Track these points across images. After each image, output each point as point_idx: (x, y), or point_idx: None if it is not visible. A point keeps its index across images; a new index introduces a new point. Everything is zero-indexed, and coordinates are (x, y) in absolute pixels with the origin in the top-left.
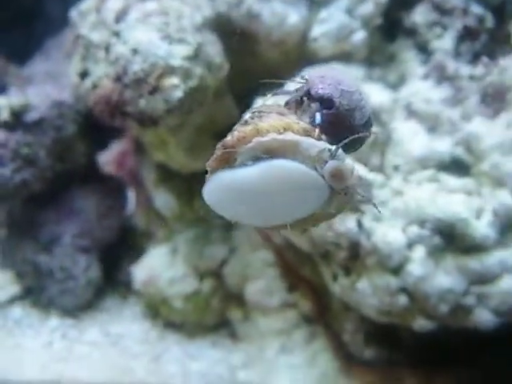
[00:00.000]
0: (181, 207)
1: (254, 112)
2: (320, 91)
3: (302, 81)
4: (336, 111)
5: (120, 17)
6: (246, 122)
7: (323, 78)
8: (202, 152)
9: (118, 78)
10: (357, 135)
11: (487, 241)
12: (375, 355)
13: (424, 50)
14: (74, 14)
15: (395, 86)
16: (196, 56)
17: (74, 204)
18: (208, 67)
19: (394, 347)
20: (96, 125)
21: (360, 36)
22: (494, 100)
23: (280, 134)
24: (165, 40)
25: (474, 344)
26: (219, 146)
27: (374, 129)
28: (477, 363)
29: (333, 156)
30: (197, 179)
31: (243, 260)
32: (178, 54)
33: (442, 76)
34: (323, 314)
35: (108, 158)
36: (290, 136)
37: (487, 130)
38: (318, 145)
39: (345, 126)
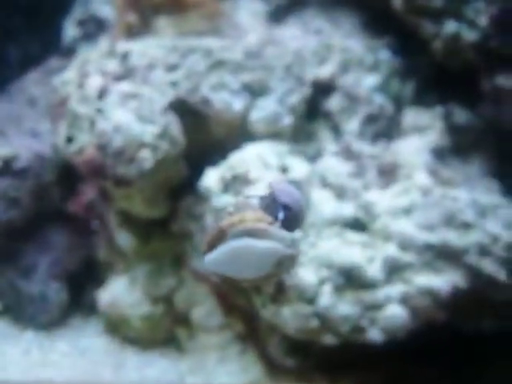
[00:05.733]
0: (138, 245)
1: (235, 206)
2: (283, 200)
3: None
4: (290, 213)
5: (101, 95)
6: (231, 213)
7: (284, 190)
8: (158, 203)
9: (101, 148)
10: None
11: (376, 280)
12: (293, 363)
13: (336, 131)
14: (56, 81)
15: (313, 158)
16: (163, 134)
17: (49, 238)
18: (171, 143)
19: (307, 356)
20: (69, 175)
21: (287, 121)
22: (387, 174)
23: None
24: (139, 121)
25: (375, 352)
26: (215, 227)
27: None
28: (378, 367)
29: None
30: (152, 223)
31: (189, 290)
32: (150, 133)
33: (348, 154)
34: (253, 333)
35: (78, 203)
36: (263, 225)
37: (381, 198)
38: (280, 232)
39: (293, 222)
